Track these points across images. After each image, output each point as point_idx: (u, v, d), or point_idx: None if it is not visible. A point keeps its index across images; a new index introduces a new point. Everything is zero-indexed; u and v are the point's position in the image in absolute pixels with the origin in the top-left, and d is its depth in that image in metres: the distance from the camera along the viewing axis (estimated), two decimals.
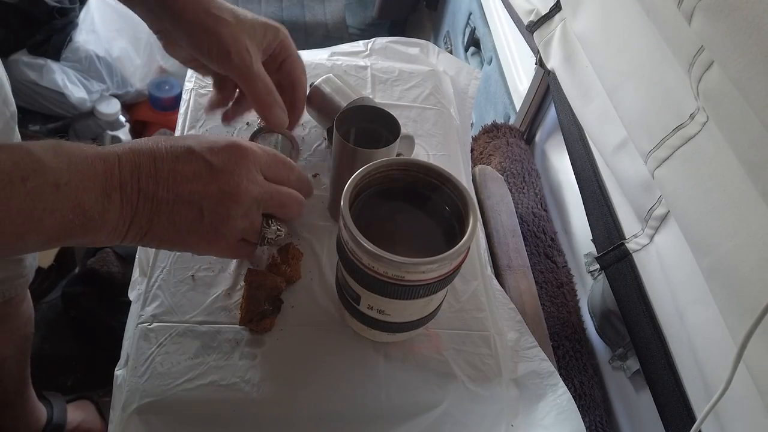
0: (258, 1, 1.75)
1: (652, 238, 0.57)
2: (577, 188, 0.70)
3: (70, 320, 1.14)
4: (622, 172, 0.60)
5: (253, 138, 0.63)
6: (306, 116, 0.71)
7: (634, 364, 0.67)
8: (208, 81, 0.71)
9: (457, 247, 0.40)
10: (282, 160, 0.45)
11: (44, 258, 1.13)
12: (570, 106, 0.71)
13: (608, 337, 0.71)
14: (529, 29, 0.81)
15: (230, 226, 0.39)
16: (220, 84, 0.56)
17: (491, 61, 1.25)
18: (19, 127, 1.21)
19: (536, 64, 0.86)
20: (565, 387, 0.52)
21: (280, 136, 0.63)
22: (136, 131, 1.44)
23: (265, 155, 0.43)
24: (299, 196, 0.46)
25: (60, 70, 1.28)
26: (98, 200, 0.32)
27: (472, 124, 0.97)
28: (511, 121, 1.05)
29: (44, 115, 1.31)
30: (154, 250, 0.55)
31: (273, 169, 0.43)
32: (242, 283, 0.53)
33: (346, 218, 0.41)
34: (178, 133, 0.67)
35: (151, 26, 0.49)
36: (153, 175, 0.35)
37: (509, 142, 0.96)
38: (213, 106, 0.57)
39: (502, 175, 0.89)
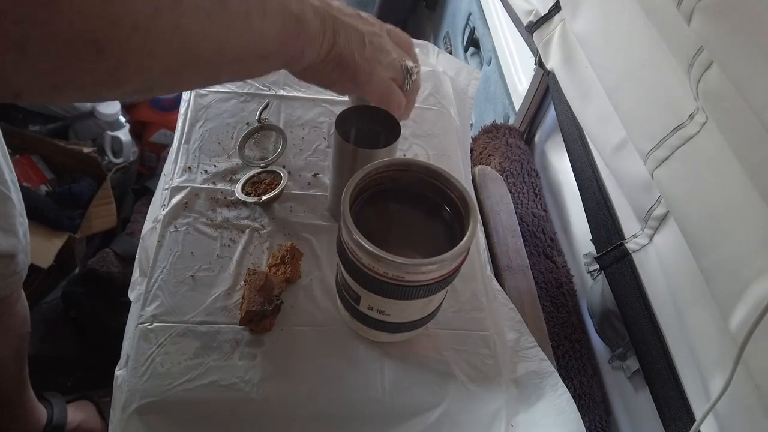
0: None
1: (651, 238, 0.57)
2: (577, 188, 0.70)
3: (70, 320, 1.14)
4: (622, 172, 0.60)
5: (248, 136, 0.63)
6: (306, 115, 0.71)
7: (633, 364, 0.67)
8: None
9: (457, 247, 0.41)
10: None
11: (44, 258, 1.13)
12: (570, 106, 0.71)
13: (608, 337, 0.71)
14: (529, 29, 0.82)
15: (386, 56, 0.45)
16: None
17: (491, 61, 1.25)
18: (19, 128, 1.21)
19: (536, 64, 0.86)
20: (565, 387, 0.52)
21: (274, 133, 0.64)
22: (136, 132, 1.44)
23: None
24: None
25: None
26: (298, 5, 0.36)
27: (471, 125, 0.97)
28: (511, 122, 1.05)
29: (44, 115, 1.31)
30: (153, 250, 0.55)
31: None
32: (242, 283, 0.53)
33: (346, 218, 0.41)
34: (178, 134, 0.67)
35: None
36: (327, 3, 0.40)
37: (509, 143, 0.96)
38: None
39: (502, 175, 0.89)
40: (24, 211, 0.73)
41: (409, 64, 0.48)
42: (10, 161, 0.69)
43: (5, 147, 0.69)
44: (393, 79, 0.46)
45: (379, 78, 0.45)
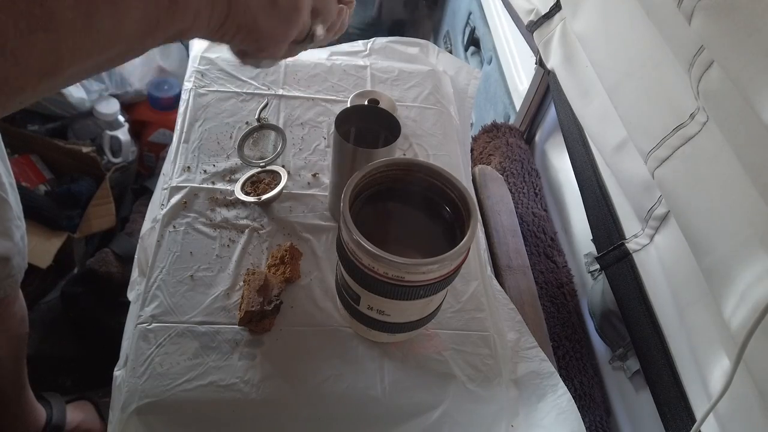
0: None
1: (652, 238, 0.57)
2: (577, 188, 0.70)
3: (69, 321, 1.14)
4: (622, 172, 0.60)
5: (247, 135, 0.63)
6: (305, 115, 0.71)
7: (634, 364, 0.67)
8: (207, 81, 0.71)
9: (457, 247, 0.40)
10: None
11: (43, 258, 1.12)
12: (570, 105, 0.71)
13: (608, 337, 0.71)
14: (529, 29, 0.81)
15: (300, 9, 0.39)
16: None
17: (491, 60, 1.25)
18: (18, 127, 1.20)
19: (536, 63, 0.86)
20: (565, 387, 0.52)
21: (274, 132, 0.64)
22: (135, 131, 1.44)
23: None
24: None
25: None
26: None
27: (471, 124, 0.97)
28: (511, 121, 1.05)
29: (43, 115, 1.31)
30: (152, 250, 0.55)
31: None
32: (241, 284, 0.53)
33: (346, 218, 0.41)
34: (177, 134, 0.67)
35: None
36: None
37: (509, 142, 0.96)
38: None
39: (502, 175, 0.89)
40: (21, 214, 0.73)
41: (318, 31, 0.42)
42: (8, 163, 0.69)
43: (3, 149, 0.68)
44: (304, 24, 0.41)
45: (282, 47, 0.40)
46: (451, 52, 1.51)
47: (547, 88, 0.91)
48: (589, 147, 0.69)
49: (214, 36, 0.37)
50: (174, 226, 0.57)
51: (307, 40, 0.42)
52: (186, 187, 0.60)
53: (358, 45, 0.83)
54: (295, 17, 0.39)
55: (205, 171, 0.62)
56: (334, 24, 0.45)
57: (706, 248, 0.44)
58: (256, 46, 0.39)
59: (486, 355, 0.52)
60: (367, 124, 0.55)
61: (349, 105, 0.71)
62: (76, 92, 1.31)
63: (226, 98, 0.70)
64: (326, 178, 0.64)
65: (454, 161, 0.70)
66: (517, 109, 1.03)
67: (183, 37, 0.34)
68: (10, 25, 0.24)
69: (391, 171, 0.46)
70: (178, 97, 0.75)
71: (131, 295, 0.55)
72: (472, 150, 0.99)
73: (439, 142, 0.71)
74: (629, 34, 0.58)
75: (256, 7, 0.37)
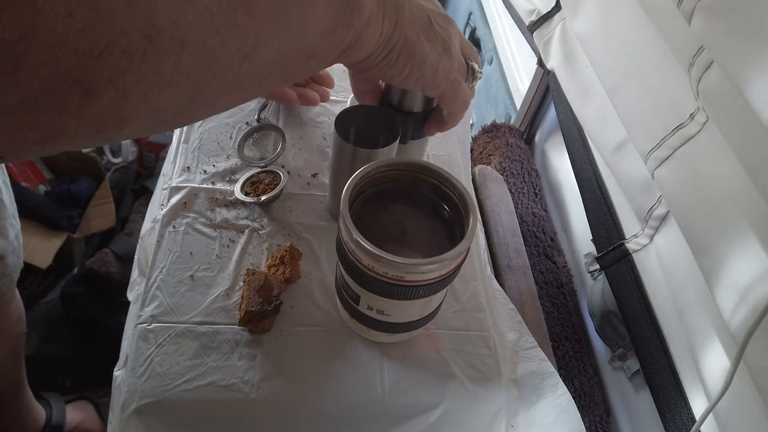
0: None
1: (652, 238, 0.57)
2: (577, 188, 0.70)
3: (69, 321, 1.14)
4: (622, 172, 0.60)
5: (247, 136, 0.63)
6: (305, 115, 0.71)
7: (634, 364, 0.67)
8: None
9: (457, 247, 0.40)
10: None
11: (43, 258, 1.12)
12: (570, 106, 0.71)
13: (608, 337, 0.71)
14: (530, 29, 0.81)
15: (453, 42, 0.40)
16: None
17: (492, 61, 1.25)
18: None
19: (537, 64, 0.86)
20: (565, 387, 0.52)
21: (274, 133, 0.64)
22: None
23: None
24: None
25: None
26: None
27: (472, 124, 0.97)
28: (512, 121, 1.05)
29: None
30: (153, 249, 0.55)
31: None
32: (241, 284, 0.53)
33: (345, 218, 0.41)
34: (177, 134, 0.67)
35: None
36: None
37: (509, 142, 0.96)
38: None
39: (502, 175, 0.89)
40: (16, 213, 0.73)
41: (475, 65, 0.42)
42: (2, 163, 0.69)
43: None
44: (458, 56, 0.41)
45: (446, 70, 0.39)
46: None
47: (547, 88, 0.91)
48: (589, 147, 0.69)
49: (381, 52, 0.35)
50: (174, 226, 0.57)
51: (470, 77, 0.42)
52: (186, 187, 0.60)
53: None
54: (449, 45, 0.39)
55: (205, 171, 0.62)
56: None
57: (706, 248, 0.44)
58: (419, 72, 0.38)
59: (486, 355, 0.52)
60: (367, 124, 0.55)
61: (349, 105, 0.71)
62: None
63: None
64: (326, 178, 0.64)
65: (454, 161, 0.70)
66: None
67: (344, 58, 0.34)
68: (214, 3, 0.23)
69: (391, 171, 0.46)
70: None
71: (131, 295, 0.55)
72: (472, 150, 0.99)
73: (439, 142, 0.71)
74: (629, 34, 0.58)
75: (419, 23, 0.37)
